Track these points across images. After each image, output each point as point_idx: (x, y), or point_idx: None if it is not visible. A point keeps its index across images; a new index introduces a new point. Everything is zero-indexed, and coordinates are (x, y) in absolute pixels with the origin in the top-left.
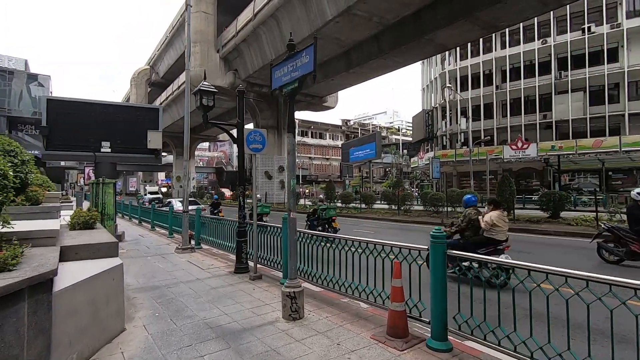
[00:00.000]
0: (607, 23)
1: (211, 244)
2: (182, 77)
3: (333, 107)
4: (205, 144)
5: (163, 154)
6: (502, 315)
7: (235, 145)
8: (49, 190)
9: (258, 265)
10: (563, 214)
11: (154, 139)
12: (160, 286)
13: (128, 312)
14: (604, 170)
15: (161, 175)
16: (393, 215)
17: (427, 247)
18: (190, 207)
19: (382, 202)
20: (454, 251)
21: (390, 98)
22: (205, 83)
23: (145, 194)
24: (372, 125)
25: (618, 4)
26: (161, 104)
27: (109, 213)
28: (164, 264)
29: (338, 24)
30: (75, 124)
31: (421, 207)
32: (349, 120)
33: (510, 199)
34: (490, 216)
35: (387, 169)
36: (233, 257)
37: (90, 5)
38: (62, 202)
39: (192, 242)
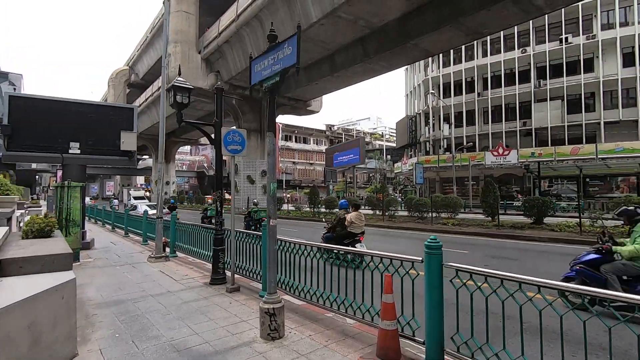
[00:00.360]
0: (583, 34)
1: (187, 252)
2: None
3: (317, 112)
4: (187, 148)
5: (143, 157)
6: (498, 331)
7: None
8: (7, 194)
9: (236, 276)
10: (546, 219)
11: (128, 141)
12: (125, 300)
13: (84, 333)
14: (582, 176)
15: (140, 180)
16: (377, 220)
17: (420, 258)
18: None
19: (367, 207)
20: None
21: (374, 104)
22: (179, 79)
23: (129, 199)
24: (356, 131)
25: (593, 16)
26: (140, 105)
27: (74, 219)
28: (133, 274)
29: (323, 27)
30: (41, 123)
31: (406, 213)
32: (333, 126)
33: (495, 204)
34: (350, 216)
35: (370, 175)
36: (210, 266)
37: (89, 5)
38: (29, 207)
39: (167, 249)
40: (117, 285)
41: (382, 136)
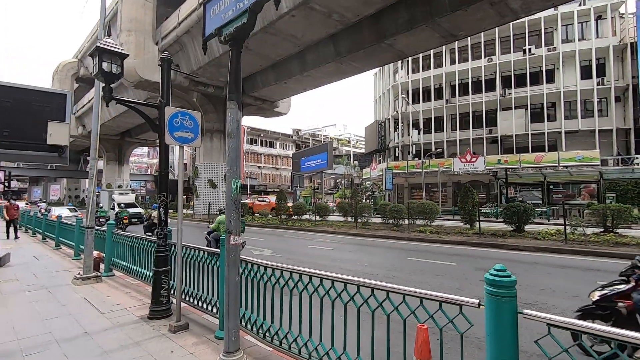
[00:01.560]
0: (545, 46)
1: (126, 271)
2: None
3: (285, 113)
4: (144, 150)
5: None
6: None
7: (177, 152)
8: None
9: (184, 306)
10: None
11: (58, 133)
12: (14, 352)
13: None
14: (546, 184)
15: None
16: (350, 228)
17: (475, 300)
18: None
19: (337, 213)
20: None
21: (339, 112)
22: (108, 40)
23: (112, 207)
24: (323, 136)
25: (554, 29)
26: (89, 101)
27: None
28: (45, 304)
29: (294, 19)
30: None
31: (379, 220)
32: (300, 130)
33: (473, 211)
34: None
35: (337, 180)
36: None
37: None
38: None
39: (102, 266)
40: (11, 323)
41: (349, 142)
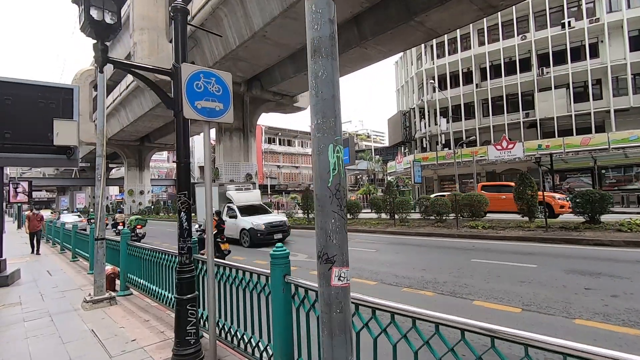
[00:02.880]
0: (586, 17)
1: (144, 290)
2: (130, 76)
3: (305, 108)
4: (164, 155)
5: (115, 166)
6: None
7: (196, 156)
8: None
9: (222, 346)
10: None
11: (65, 132)
12: None
13: None
14: (596, 168)
15: (114, 190)
16: (387, 226)
17: None
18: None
19: (370, 210)
20: None
21: (354, 108)
22: None
23: (224, 210)
24: (343, 131)
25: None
26: (107, 107)
27: None
28: (43, 340)
29: None
30: None
31: (417, 215)
32: None
33: (533, 202)
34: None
35: (357, 176)
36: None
37: None
38: None
39: (118, 283)
40: None
41: (369, 137)
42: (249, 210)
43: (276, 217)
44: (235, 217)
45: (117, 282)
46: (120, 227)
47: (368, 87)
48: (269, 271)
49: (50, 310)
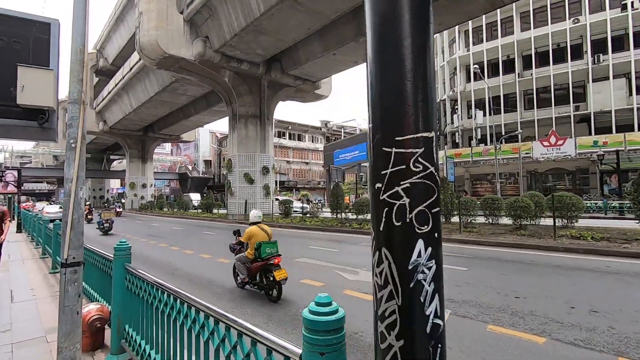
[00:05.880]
0: None
1: None
2: (135, 57)
3: (327, 96)
4: (167, 148)
5: (117, 158)
6: None
7: (201, 149)
8: None
9: None
10: None
11: (36, 87)
12: None
13: None
14: None
15: (115, 183)
16: (449, 232)
17: None
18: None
19: None
20: None
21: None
22: None
23: None
24: (351, 127)
25: None
26: (109, 93)
27: None
28: None
29: None
30: None
31: (482, 219)
32: (329, 122)
33: None
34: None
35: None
36: None
37: None
38: None
39: (108, 333)
40: None
41: None
42: None
43: None
44: None
45: (107, 332)
46: (106, 225)
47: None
48: None
49: None
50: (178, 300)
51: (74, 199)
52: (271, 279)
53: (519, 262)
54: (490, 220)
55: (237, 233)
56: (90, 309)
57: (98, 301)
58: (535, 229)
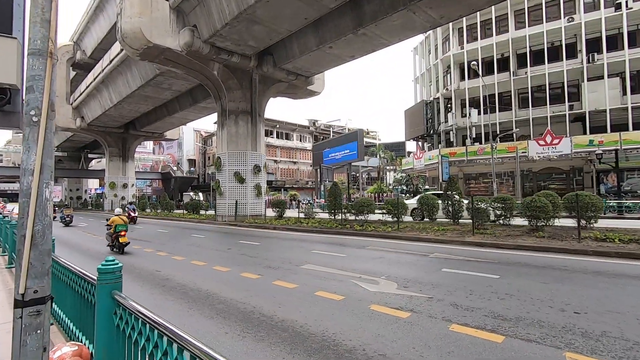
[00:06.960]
0: None
1: None
2: (116, 47)
3: (319, 93)
4: (150, 147)
5: (96, 157)
6: None
7: (185, 148)
8: None
9: None
10: None
11: None
12: None
13: None
14: None
15: (93, 183)
16: (461, 234)
17: None
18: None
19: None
20: None
21: (340, 106)
22: None
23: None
24: (339, 126)
25: None
26: (87, 87)
27: None
28: None
29: None
30: None
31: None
32: (317, 120)
33: None
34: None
35: (356, 174)
36: None
37: None
38: None
39: None
40: None
41: (368, 133)
42: None
43: None
44: None
45: None
46: (67, 219)
47: (359, 85)
48: None
49: None
50: None
51: (37, 201)
52: (120, 241)
53: (551, 268)
54: (502, 221)
55: (108, 220)
56: (64, 354)
57: (76, 337)
58: (552, 231)
